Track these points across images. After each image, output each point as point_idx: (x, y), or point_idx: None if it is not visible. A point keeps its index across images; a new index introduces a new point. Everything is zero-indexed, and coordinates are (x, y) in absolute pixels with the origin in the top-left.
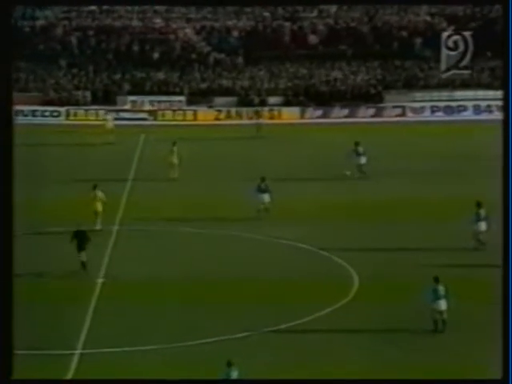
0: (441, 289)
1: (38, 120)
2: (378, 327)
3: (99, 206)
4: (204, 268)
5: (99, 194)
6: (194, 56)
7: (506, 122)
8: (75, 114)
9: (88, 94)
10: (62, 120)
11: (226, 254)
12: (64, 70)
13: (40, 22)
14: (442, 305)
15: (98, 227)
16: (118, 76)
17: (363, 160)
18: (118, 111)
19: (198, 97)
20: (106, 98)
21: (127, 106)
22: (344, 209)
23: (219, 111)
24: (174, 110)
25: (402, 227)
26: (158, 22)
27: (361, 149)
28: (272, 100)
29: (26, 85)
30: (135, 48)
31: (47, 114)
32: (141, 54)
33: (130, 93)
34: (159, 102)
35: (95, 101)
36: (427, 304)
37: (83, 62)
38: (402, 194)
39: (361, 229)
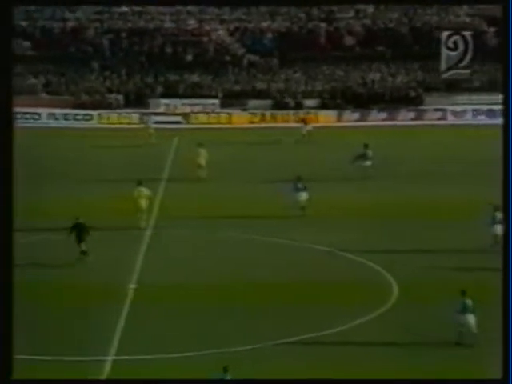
0: (468, 302)
1: (70, 123)
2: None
3: (143, 203)
4: (237, 272)
5: (144, 190)
6: (227, 58)
7: (506, 125)
8: (108, 118)
9: (120, 97)
10: (94, 123)
11: (255, 257)
12: (96, 73)
13: (71, 24)
14: (471, 319)
15: (141, 225)
16: (150, 79)
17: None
18: (151, 114)
19: (232, 99)
20: (138, 100)
21: (160, 109)
22: (375, 211)
23: (253, 114)
24: (208, 113)
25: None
26: (192, 23)
27: (370, 152)
28: (308, 103)
29: (58, 88)
30: (168, 50)
31: (79, 117)
32: (174, 56)
33: (163, 96)
34: (192, 105)
35: (128, 104)
36: (455, 318)
37: (115, 64)
38: (442, 197)
39: (395, 231)
